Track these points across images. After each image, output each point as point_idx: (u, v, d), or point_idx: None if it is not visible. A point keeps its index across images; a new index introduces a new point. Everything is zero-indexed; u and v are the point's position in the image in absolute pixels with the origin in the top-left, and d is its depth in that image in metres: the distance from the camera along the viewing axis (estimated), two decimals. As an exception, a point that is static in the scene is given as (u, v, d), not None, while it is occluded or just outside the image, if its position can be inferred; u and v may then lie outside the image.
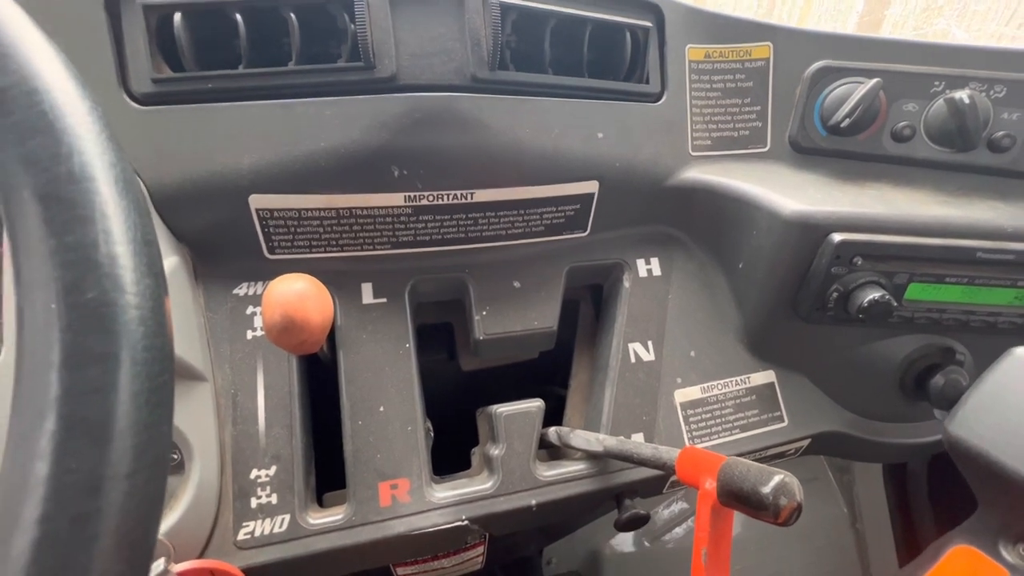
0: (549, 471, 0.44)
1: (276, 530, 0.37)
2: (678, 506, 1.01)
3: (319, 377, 0.45)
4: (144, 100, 0.36)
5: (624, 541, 0.98)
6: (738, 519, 0.97)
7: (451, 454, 0.49)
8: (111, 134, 0.19)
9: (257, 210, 0.39)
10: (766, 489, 0.28)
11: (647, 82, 0.47)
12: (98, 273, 0.16)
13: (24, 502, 0.14)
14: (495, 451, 0.43)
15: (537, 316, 0.47)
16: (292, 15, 0.36)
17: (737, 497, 0.30)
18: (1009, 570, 0.23)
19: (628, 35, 0.45)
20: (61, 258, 0.16)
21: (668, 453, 0.37)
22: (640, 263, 0.51)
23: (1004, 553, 0.24)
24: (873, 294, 0.42)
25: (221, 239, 0.40)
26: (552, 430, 0.46)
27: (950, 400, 0.42)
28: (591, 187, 0.45)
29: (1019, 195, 0.47)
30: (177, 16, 0.36)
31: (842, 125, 0.47)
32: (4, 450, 0.15)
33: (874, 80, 0.46)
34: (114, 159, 0.18)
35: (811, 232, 0.43)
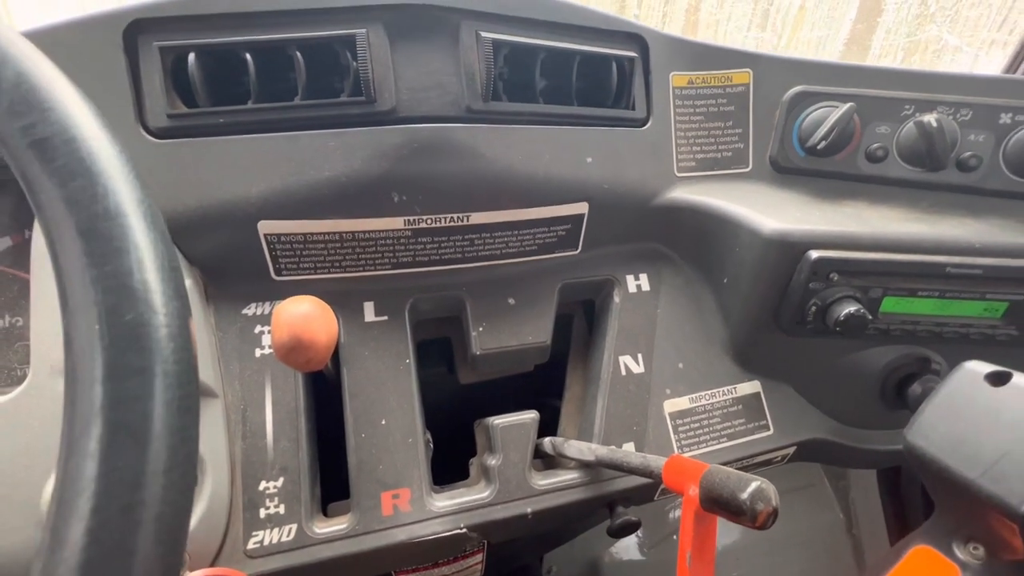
0: (544, 480, 0.46)
1: (284, 539, 0.39)
2: (673, 515, 1.02)
3: (324, 392, 0.47)
4: (160, 134, 0.39)
5: (623, 549, 0.99)
6: (737, 528, 0.99)
7: (451, 464, 0.50)
8: (137, 174, 0.21)
9: (266, 235, 0.41)
10: (744, 495, 0.30)
11: (633, 108, 0.49)
12: (134, 297, 0.19)
13: (79, 495, 0.17)
14: (492, 461, 0.45)
15: (531, 331, 0.49)
16: (298, 53, 0.39)
17: (718, 503, 0.32)
18: (960, 567, 0.25)
19: (614, 65, 0.47)
20: (102, 285, 0.19)
21: (656, 462, 0.39)
22: (630, 279, 0.53)
23: (957, 552, 0.26)
24: (849, 308, 0.44)
25: (231, 262, 0.43)
26: (547, 440, 0.48)
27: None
28: (581, 208, 0.48)
29: (987, 212, 0.50)
30: (191, 56, 0.38)
31: (819, 147, 0.50)
32: (59, 454, 0.18)
33: (848, 104, 0.49)
34: (141, 196, 0.21)
35: (790, 249, 0.45)
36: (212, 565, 0.37)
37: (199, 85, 0.39)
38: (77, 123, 0.20)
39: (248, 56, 0.39)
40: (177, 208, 0.39)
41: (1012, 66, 0.66)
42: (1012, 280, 0.45)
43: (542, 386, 0.60)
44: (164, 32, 0.38)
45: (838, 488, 1.08)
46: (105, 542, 0.17)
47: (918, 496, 0.96)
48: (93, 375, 0.18)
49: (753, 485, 0.30)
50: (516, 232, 0.47)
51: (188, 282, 0.40)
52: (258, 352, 0.43)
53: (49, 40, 0.37)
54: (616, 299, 0.52)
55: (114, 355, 0.18)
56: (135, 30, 0.38)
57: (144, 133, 0.39)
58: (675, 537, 0.99)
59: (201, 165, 0.39)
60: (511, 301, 0.49)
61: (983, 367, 0.28)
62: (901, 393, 0.51)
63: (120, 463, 0.17)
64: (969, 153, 0.49)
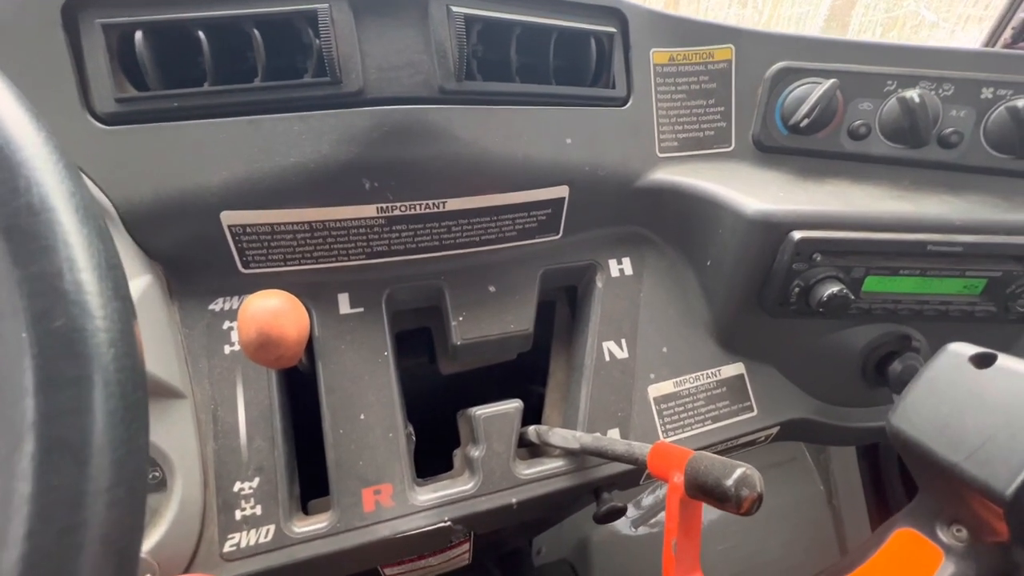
0: (529, 469, 0.45)
1: (262, 540, 0.38)
2: (662, 491, 1.04)
3: (300, 387, 0.45)
4: (108, 120, 0.36)
5: (612, 527, 1.00)
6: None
7: (436, 456, 0.50)
8: (68, 162, 0.19)
9: (229, 226, 0.39)
10: (728, 482, 0.30)
11: (613, 87, 0.48)
12: (65, 300, 0.17)
13: (10, 520, 0.15)
14: (475, 452, 0.45)
15: (513, 319, 0.48)
16: (255, 31, 0.36)
17: (703, 490, 0.32)
18: (944, 549, 0.26)
19: (593, 41, 0.46)
20: (28, 288, 0.17)
21: (640, 449, 0.39)
22: (612, 263, 0.52)
23: (940, 534, 0.26)
24: (832, 288, 0.44)
25: (194, 256, 0.40)
26: (531, 429, 0.48)
27: (906, 385, 0.44)
28: (561, 192, 0.46)
29: (968, 189, 0.50)
30: (138, 34, 0.36)
31: (801, 124, 0.49)
32: None
33: (831, 80, 0.48)
34: (73, 188, 0.19)
35: (773, 230, 0.44)
36: (187, 571, 0.36)
37: (148, 66, 0.36)
38: None
39: (201, 34, 0.36)
40: (132, 200, 0.37)
41: (991, 40, 0.66)
42: (991, 257, 0.45)
43: (526, 374, 0.59)
44: (106, 8, 0.35)
45: (819, 462, 1.10)
46: (42, 569, 0.15)
47: (896, 469, 0.98)
48: (22, 387, 0.16)
49: (738, 472, 0.30)
50: (495, 218, 0.45)
51: (148, 278, 0.38)
52: (227, 349, 0.41)
53: (-21, 18, 0.34)
54: (599, 284, 0.51)
55: (44, 365, 0.16)
56: (74, 6, 0.35)
57: (91, 119, 0.36)
58: (661, 515, 1.01)
59: (155, 153, 0.37)
60: (491, 289, 0.48)
61: (967, 349, 0.27)
62: (882, 371, 0.51)
63: (56, 482, 0.16)
64: (951, 129, 0.49)
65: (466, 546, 0.56)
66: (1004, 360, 0.26)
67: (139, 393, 0.18)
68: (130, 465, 0.17)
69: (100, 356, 0.17)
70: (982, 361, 0.26)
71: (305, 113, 0.37)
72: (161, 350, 0.37)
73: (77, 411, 0.16)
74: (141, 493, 0.18)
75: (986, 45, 0.70)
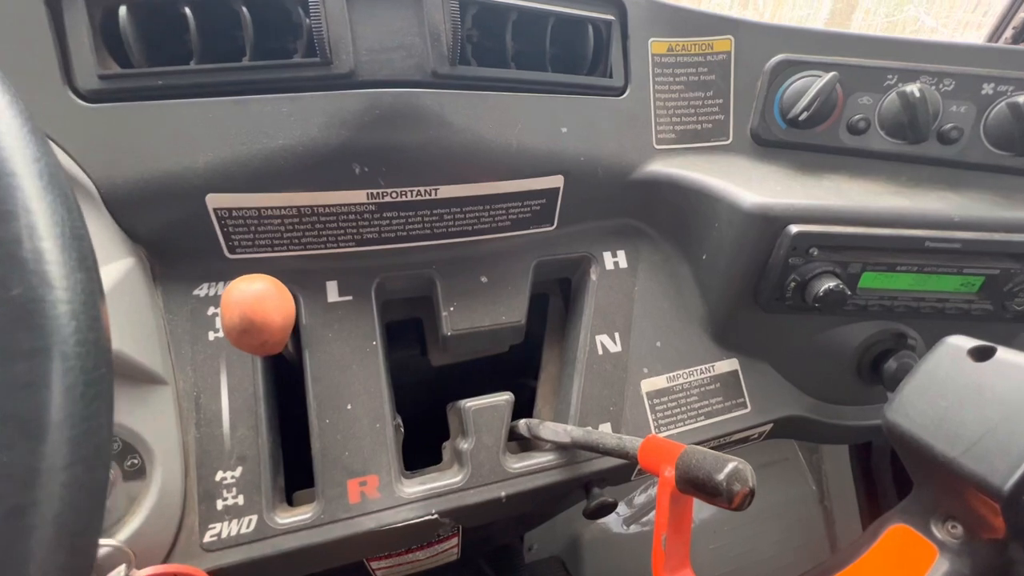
0: (518, 463, 0.44)
1: (243, 531, 0.37)
2: (654, 490, 1.03)
3: (286, 375, 0.44)
4: (91, 97, 0.35)
5: (604, 523, 1.00)
6: (711, 501, 1.00)
7: (427, 449, 0.49)
8: (34, 127, 0.19)
9: (215, 210, 0.38)
10: (720, 476, 0.29)
11: (610, 76, 0.47)
12: (23, 270, 0.16)
13: None
14: (464, 445, 0.44)
15: (505, 311, 0.47)
16: (244, 8, 0.35)
17: (694, 484, 0.31)
18: (938, 546, 0.25)
19: (590, 29, 0.45)
20: None
21: (631, 443, 0.38)
22: (607, 256, 0.51)
23: (935, 531, 0.25)
24: (828, 284, 0.43)
25: (179, 240, 0.39)
26: (522, 422, 0.47)
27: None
28: (556, 182, 0.46)
29: (966, 185, 0.49)
30: (122, 10, 0.35)
31: (800, 118, 0.48)
32: None
33: (831, 74, 0.47)
34: (37, 153, 0.18)
35: (770, 224, 0.44)
36: (165, 561, 0.35)
37: (133, 43, 0.35)
38: None
39: (188, 11, 0.35)
40: (114, 180, 0.36)
41: (994, 35, 0.65)
42: (989, 254, 0.44)
43: (518, 367, 0.58)
44: None
45: (811, 461, 1.10)
46: None
47: (888, 469, 0.98)
48: None
49: (730, 466, 0.29)
50: (488, 207, 0.45)
51: (131, 261, 0.37)
52: (212, 335, 0.40)
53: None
54: (593, 277, 0.50)
55: None
56: None
57: (73, 96, 0.35)
58: (652, 513, 1.00)
59: (139, 132, 0.36)
60: (484, 279, 0.47)
61: (966, 342, 0.27)
62: (877, 369, 0.51)
63: (6, 459, 0.15)
64: (951, 125, 0.48)
65: (455, 540, 0.55)
66: (1003, 353, 0.25)
67: (102, 369, 0.17)
68: (89, 444, 0.16)
69: (59, 328, 0.16)
70: (981, 354, 0.26)
71: (294, 94, 0.36)
72: (143, 335, 0.36)
73: (32, 385, 0.16)
74: (102, 472, 0.17)
75: (990, 39, 0.70)
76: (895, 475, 0.99)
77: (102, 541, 0.32)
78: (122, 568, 0.31)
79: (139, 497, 0.34)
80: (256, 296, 0.32)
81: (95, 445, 0.17)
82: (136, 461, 0.35)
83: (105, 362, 0.18)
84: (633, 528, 0.99)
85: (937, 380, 0.26)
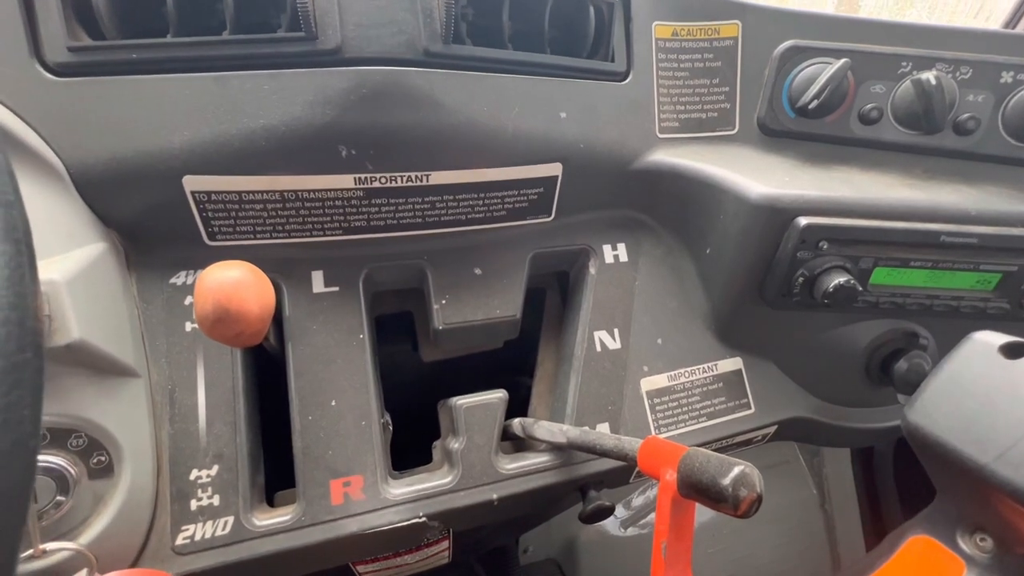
0: (511, 464, 0.42)
1: (219, 533, 0.35)
2: (653, 492, 1.01)
3: (269, 370, 0.42)
4: (60, 71, 0.33)
5: (601, 528, 0.98)
6: (711, 504, 0.98)
7: (418, 449, 0.47)
8: None
9: (192, 193, 0.36)
10: (725, 481, 0.28)
11: (612, 60, 0.45)
12: None
13: None
14: (455, 444, 0.42)
15: (499, 304, 0.45)
16: (224, -21, 0.33)
17: (697, 488, 0.29)
18: (965, 560, 0.23)
19: (592, 10, 0.43)
20: None
21: (630, 444, 0.36)
22: (607, 249, 0.49)
23: (961, 543, 0.23)
24: (839, 279, 0.41)
25: (155, 224, 0.37)
26: (516, 421, 0.45)
27: (913, 385, 0.41)
28: (554, 169, 0.43)
29: (983, 178, 0.47)
30: (94, -22, 0.33)
31: (810, 107, 0.46)
32: None
33: (842, 60, 0.45)
34: None
35: (777, 216, 0.42)
36: (134, 565, 0.33)
37: (105, 13, 0.33)
38: None
39: (164, -20, 0.33)
40: (85, 160, 0.34)
41: (1012, 21, 0.63)
42: (1007, 250, 0.42)
43: (513, 364, 0.56)
44: None
45: (812, 464, 1.08)
46: None
47: (891, 473, 0.96)
48: None
49: (736, 470, 0.28)
50: (482, 195, 0.42)
51: (102, 246, 0.35)
52: (188, 326, 0.38)
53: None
54: (592, 270, 0.48)
55: None
56: None
57: (41, 69, 0.33)
58: (651, 516, 0.98)
59: (112, 108, 0.34)
60: (477, 271, 0.45)
61: (996, 338, 0.25)
62: (886, 370, 0.48)
63: None
64: (967, 115, 0.46)
65: (445, 544, 0.53)
66: (1038, 350, 0.23)
67: (27, 353, 0.15)
68: (7, 438, 0.14)
69: None
70: (1014, 351, 0.23)
71: (276, 71, 0.34)
72: (113, 324, 0.34)
73: None
74: (24, 471, 0.15)
75: (1007, 25, 0.67)
76: (898, 480, 0.97)
77: (62, 544, 0.30)
78: (83, 573, 0.29)
79: (106, 496, 0.32)
80: (232, 283, 0.30)
81: (14, 439, 0.15)
82: (103, 458, 0.32)
83: (30, 345, 0.15)
84: (631, 531, 0.97)
85: (964, 379, 0.24)
